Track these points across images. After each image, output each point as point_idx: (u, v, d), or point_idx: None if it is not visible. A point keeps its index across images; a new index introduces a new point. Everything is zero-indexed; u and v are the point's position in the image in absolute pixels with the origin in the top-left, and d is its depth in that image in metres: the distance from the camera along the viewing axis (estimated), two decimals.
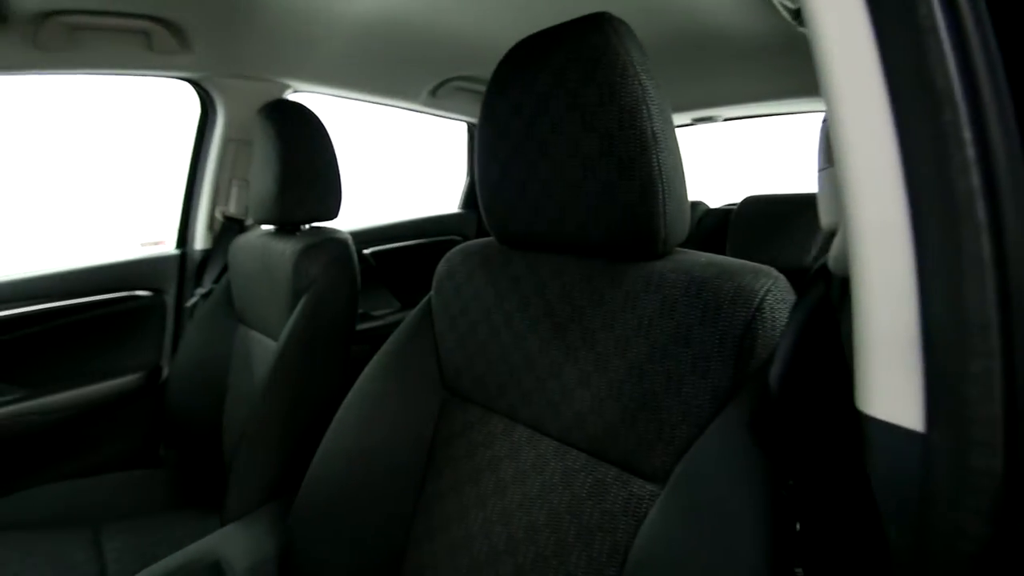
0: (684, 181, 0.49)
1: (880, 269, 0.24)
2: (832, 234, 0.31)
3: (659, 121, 0.46)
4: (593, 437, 0.48)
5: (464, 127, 2.02)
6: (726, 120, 2.10)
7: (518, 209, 0.54)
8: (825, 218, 0.32)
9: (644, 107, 0.45)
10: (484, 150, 0.56)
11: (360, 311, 1.62)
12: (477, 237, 2.08)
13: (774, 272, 0.44)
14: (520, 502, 0.52)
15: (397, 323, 0.68)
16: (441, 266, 0.65)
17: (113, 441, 1.27)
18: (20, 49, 0.96)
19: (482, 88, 1.68)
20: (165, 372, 1.34)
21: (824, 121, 0.32)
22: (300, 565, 0.65)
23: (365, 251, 1.72)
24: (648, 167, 0.45)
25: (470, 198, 2.14)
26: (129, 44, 1.04)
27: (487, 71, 0.56)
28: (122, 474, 1.16)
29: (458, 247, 0.66)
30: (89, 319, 1.25)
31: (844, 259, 0.27)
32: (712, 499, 0.38)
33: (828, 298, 0.33)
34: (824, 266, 0.34)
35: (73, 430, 1.21)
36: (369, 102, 1.55)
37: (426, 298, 0.67)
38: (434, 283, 0.65)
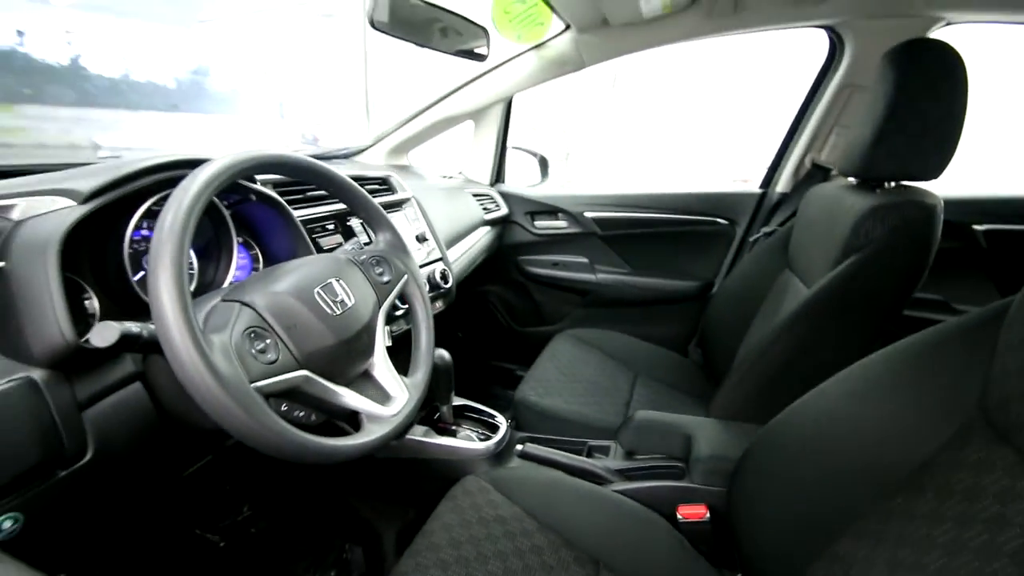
0: None
1: None
2: None
3: None
4: None
5: None
6: None
7: None
8: None
9: None
10: None
11: (936, 297, 1.34)
12: None
13: None
14: None
15: None
16: None
17: (666, 325, 1.69)
18: (700, 21, 1.26)
19: None
20: (715, 288, 1.61)
21: None
22: (744, 485, 0.72)
23: (976, 226, 1.34)
24: None
25: None
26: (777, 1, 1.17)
27: None
28: (662, 350, 1.53)
29: None
30: (680, 232, 1.64)
31: None
32: None
33: None
34: None
35: (642, 305, 1.69)
36: None
37: (1009, 299, 0.52)
38: None
